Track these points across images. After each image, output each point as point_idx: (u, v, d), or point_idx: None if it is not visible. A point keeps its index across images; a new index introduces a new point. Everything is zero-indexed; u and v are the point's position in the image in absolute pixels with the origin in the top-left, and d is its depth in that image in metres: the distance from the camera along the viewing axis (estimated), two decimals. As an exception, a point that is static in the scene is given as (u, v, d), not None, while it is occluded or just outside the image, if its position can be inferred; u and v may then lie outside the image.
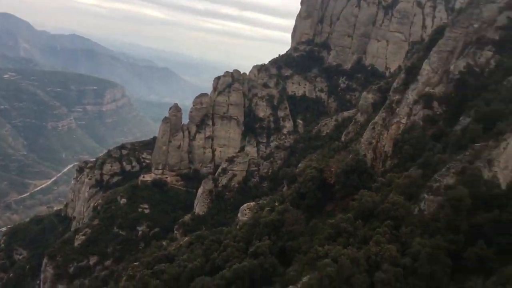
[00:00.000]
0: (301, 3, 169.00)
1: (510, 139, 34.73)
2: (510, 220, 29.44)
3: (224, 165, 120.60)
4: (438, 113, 55.71)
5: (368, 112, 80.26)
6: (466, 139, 43.27)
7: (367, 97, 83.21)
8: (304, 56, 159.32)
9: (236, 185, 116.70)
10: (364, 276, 32.40)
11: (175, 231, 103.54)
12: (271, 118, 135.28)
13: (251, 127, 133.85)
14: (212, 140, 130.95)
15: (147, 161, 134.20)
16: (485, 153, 36.64)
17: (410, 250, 32.24)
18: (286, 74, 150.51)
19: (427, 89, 58.11)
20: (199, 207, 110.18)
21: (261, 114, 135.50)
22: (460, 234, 31.02)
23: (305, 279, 37.43)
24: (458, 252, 30.16)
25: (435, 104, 56.03)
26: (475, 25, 57.18)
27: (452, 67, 57.11)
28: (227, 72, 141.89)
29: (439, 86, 57.56)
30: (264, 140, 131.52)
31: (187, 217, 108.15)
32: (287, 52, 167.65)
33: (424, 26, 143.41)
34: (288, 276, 41.75)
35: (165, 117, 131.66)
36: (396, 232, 36.42)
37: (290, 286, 38.24)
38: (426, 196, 37.48)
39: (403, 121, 59.07)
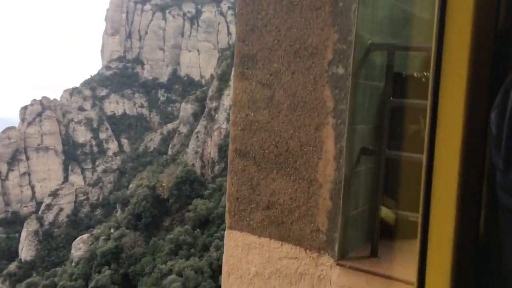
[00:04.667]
0: (105, 20, 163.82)
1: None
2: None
3: (47, 200, 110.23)
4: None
5: (190, 122, 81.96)
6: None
7: (186, 108, 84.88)
8: (118, 74, 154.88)
9: (65, 219, 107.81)
10: (210, 283, 33.27)
11: (1, 285, 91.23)
12: (93, 142, 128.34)
13: (73, 154, 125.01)
14: (30, 175, 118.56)
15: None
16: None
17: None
18: (101, 94, 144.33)
19: (239, 93, 61.99)
20: (25, 251, 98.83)
21: (81, 140, 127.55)
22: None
23: (152, 301, 36.73)
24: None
25: (248, 106, 60.12)
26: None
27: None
28: (34, 100, 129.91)
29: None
30: (90, 166, 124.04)
31: (12, 266, 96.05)
32: (99, 71, 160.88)
33: (229, 33, 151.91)
34: (135, 303, 40.46)
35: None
36: (232, 234, 38.22)
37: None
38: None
39: (223, 126, 61.88)
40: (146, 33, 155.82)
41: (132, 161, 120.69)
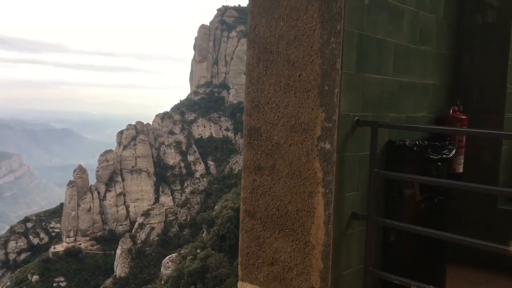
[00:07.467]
0: (194, 48, 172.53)
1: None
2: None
3: (140, 220, 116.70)
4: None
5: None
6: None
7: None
8: (205, 99, 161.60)
9: (156, 238, 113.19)
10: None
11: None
12: (182, 164, 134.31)
13: (163, 176, 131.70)
14: (124, 196, 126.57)
15: (57, 231, 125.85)
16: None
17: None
18: (190, 118, 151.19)
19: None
20: (120, 268, 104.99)
21: (171, 162, 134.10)
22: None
23: (234, 323, 37.24)
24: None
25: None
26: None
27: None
28: (129, 125, 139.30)
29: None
30: (178, 187, 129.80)
31: (108, 282, 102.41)
32: (187, 96, 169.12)
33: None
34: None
35: (70, 180, 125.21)
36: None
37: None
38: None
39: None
40: (231, 58, 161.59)
41: (218, 182, 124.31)
